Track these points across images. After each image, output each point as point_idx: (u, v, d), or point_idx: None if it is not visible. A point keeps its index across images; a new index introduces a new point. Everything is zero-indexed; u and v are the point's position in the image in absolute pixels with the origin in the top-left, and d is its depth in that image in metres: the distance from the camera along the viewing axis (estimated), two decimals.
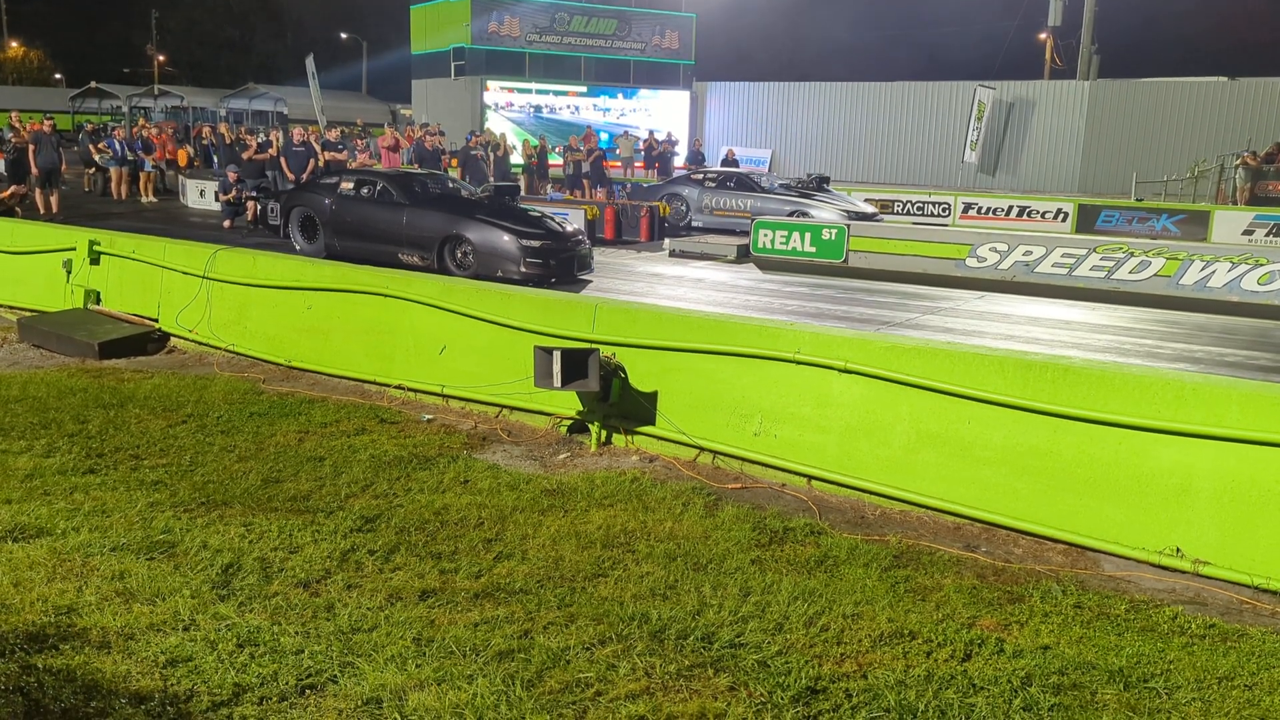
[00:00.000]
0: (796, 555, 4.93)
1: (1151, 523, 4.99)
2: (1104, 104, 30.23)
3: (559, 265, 12.58)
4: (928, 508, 5.64)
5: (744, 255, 16.27)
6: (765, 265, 15.70)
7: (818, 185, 20.37)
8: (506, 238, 12.39)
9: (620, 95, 35.11)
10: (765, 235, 16.10)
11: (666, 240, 17.71)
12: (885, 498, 5.78)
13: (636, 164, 29.55)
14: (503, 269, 12.27)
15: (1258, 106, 27.89)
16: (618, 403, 6.66)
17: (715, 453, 6.42)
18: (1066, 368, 5.41)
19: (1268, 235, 20.07)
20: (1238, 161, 25.13)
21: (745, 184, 20.39)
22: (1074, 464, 5.21)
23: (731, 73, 36.40)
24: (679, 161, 29.13)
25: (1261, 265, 12.79)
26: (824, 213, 18.40)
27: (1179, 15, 29.62)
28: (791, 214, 18.37)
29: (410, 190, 13.44)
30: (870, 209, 20.18)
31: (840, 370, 5.92)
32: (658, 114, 34.62)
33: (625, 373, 6.65)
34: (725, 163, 27.70)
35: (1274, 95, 28.00)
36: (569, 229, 13.32)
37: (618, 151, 29.92)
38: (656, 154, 28.45)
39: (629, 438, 6.73)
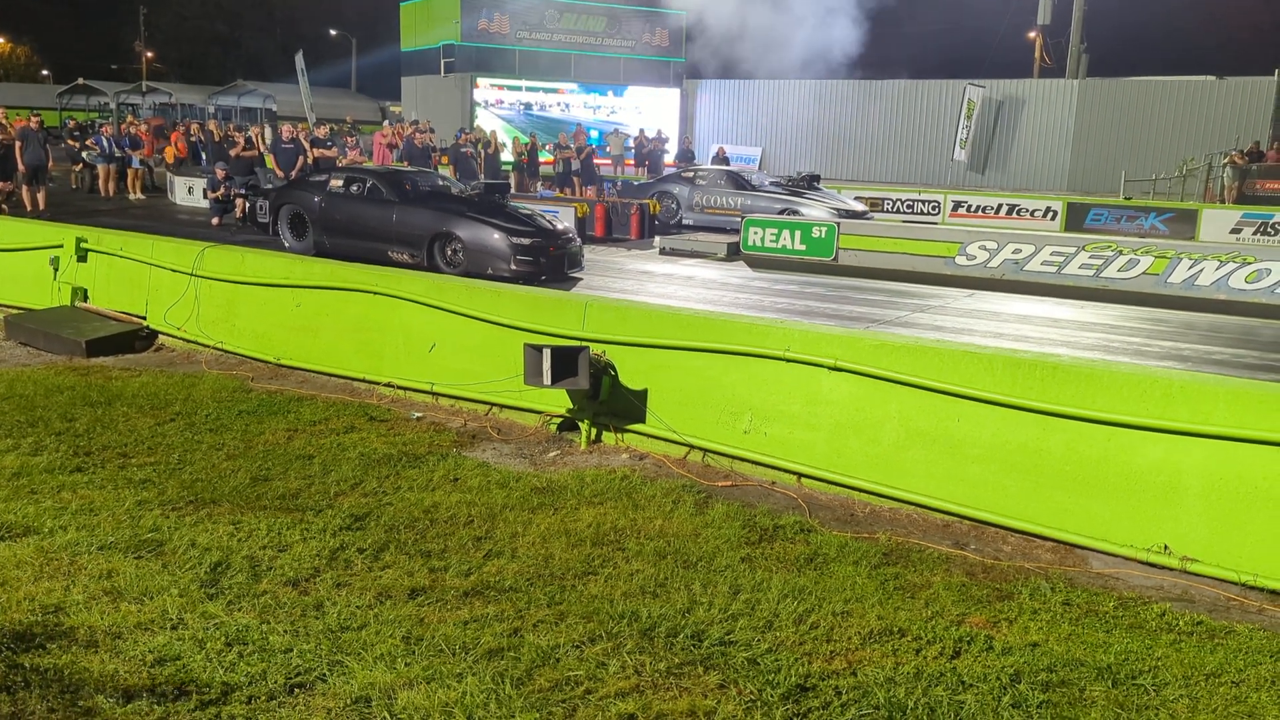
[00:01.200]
0: (786, 553, 4.93)
1: (1140, 520, 5.01)
2: (1093, 102, 30.33)
3: (549, 263, 12.56)
4: (917, 505, 5.65)
5: (734, 253, 16.28)
6: (755, 263, 15.71)
7: (808, 183, 20.36)
8: (496, 235, 12.37)
9: (610, 93, 35.09)
10: (755, 233, 16.10)
11: (657, 238, 17.71)
12: (875, 495, 5.79)
13: (627, 161, 29.53)
14: (493, 266, 12.25)
15: (1245, 105, 28.02)
16: (608, 400, 6.65)
17: (705, 450, 6.42)
18: (1055, 365, 5.43)
19: (1255, 234, 20.16)
20: (1225, 160, 25.25)
21: (736, 182, 20.38)
22: (1063, 461, 5.23)
23: (721, 70, 36.36)
24: (669, 159, 29.11)
25: (1249, 264, 12.86)
26: (815, 210, 18.43)
27: (1168, 14, 29.67)
28: (782, 212, 18.37)
29: (399, 188, 13.39)
30: (861, 207, 20.17)
31: (830, 368, 5.93)
32: (648, 112, 34.61)
33: (615, 370, 6.65)
34: (716, 160, 27.70)
35: (1261, 94, 28.13)
36: (559, 227, 13.28)
37: (608, 149, 29.91)
38: (646, 151, 28.43)
39: (619, 435, 6.72)
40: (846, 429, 5.92)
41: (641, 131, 30.36)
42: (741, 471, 6.24)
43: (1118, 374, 5.25)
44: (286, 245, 13.91)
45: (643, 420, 6.62)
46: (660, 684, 3.66)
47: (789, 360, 6.07)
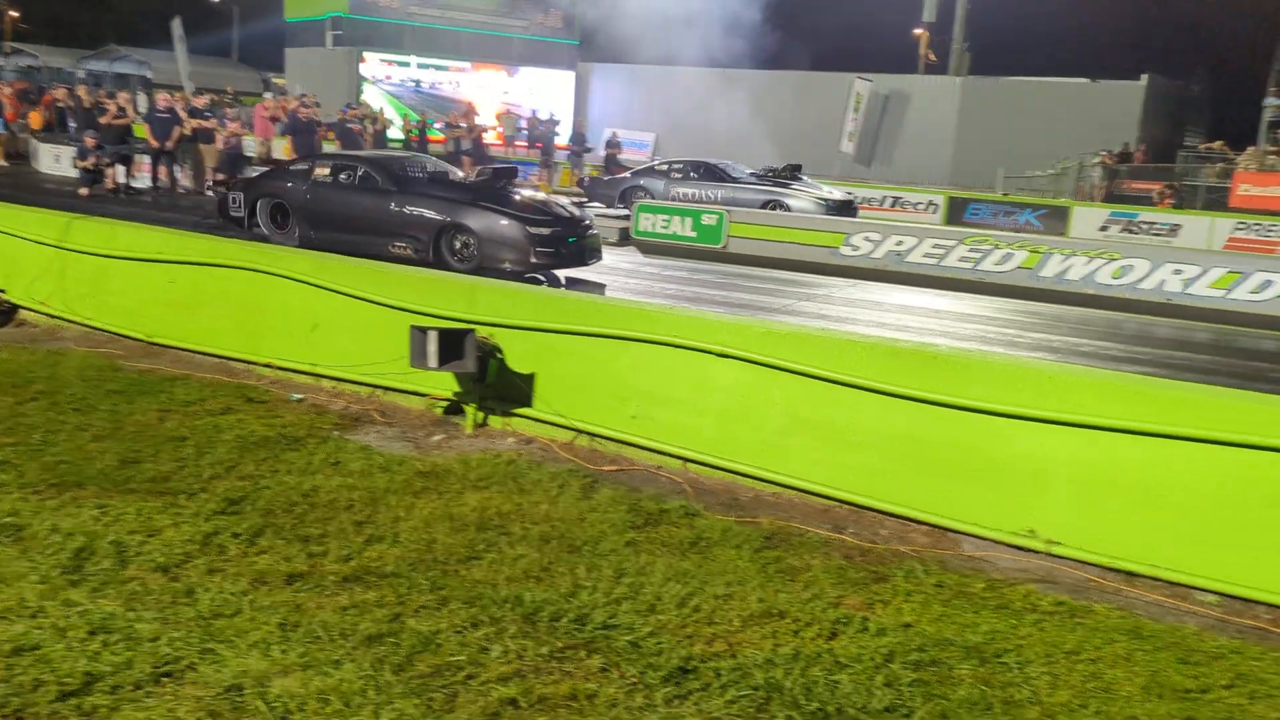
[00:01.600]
0: (671, 537, 4.97)
1: (1009, 505, 5.20)
2: (974, 100, 31.32)
3: (570, 253, 11.65)
4: (799, 490, 5.76)
5: (626, 238, 16.30)
6: (646, 249, 15.78)
7: (790, 174, 19.34)
8: (514, 225, 11.19)
9: (504, 72, 34.69)
10: (647, 219, 16.18)
11: None
12: (759, 480, 5.88)
13: (519, 143, 29.26)
14: (510, 260, 11.20)
15: (1115, 108, 29.29)
16: (495, 384, 6.59)
17: (593, 435, 6.42)
18: (933, 355, 5.60)
19: (1121, 231, 21.19)
20: (1096, 160, 26.41)
21: (714, 174, 19.36)
22: (939, 448, 5.39)
23: (616, 54, 36.26)
24: (560, 142, 28.95)
25: (1115, 260, 13.50)
26: (800, 202, 17.88)
27: (1049, 16, 30.89)
28: (766, 204, 17.75)
29: (397, 175, 12.15)
30: (846, 197, 19.31)
31: (717, 354, 5.98)
32: (541, 93, 34.34)
33: (503, 354, 6.59)
34: (610, 145, 27.64)
35: (1130, 98, 29.47)
36: (577, 214, 12.27)
37: (500, 129, 29.59)
38: (539, 133, 28.22)
39: (506, 419, 6.67)
40: (733, 415, 5.99)
41: (534, 113, 30.14)
42: (629, 456, 6.26)
43: (992, 364, 5.45)
44: (272, 241, 12.39)
45: (530, 404, 6.58)
46: (543, 668, 3.66)
47: (678, 346, 6.11)
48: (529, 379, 6.57)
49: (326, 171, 12.58)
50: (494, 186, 12.19)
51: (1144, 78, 29.52)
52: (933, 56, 37.46)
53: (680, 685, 3.61)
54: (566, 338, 6.50)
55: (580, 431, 6.45)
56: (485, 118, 30.06)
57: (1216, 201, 23.68)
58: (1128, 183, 25.61)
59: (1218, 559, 4.65)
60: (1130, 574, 4.84)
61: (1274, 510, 4.55)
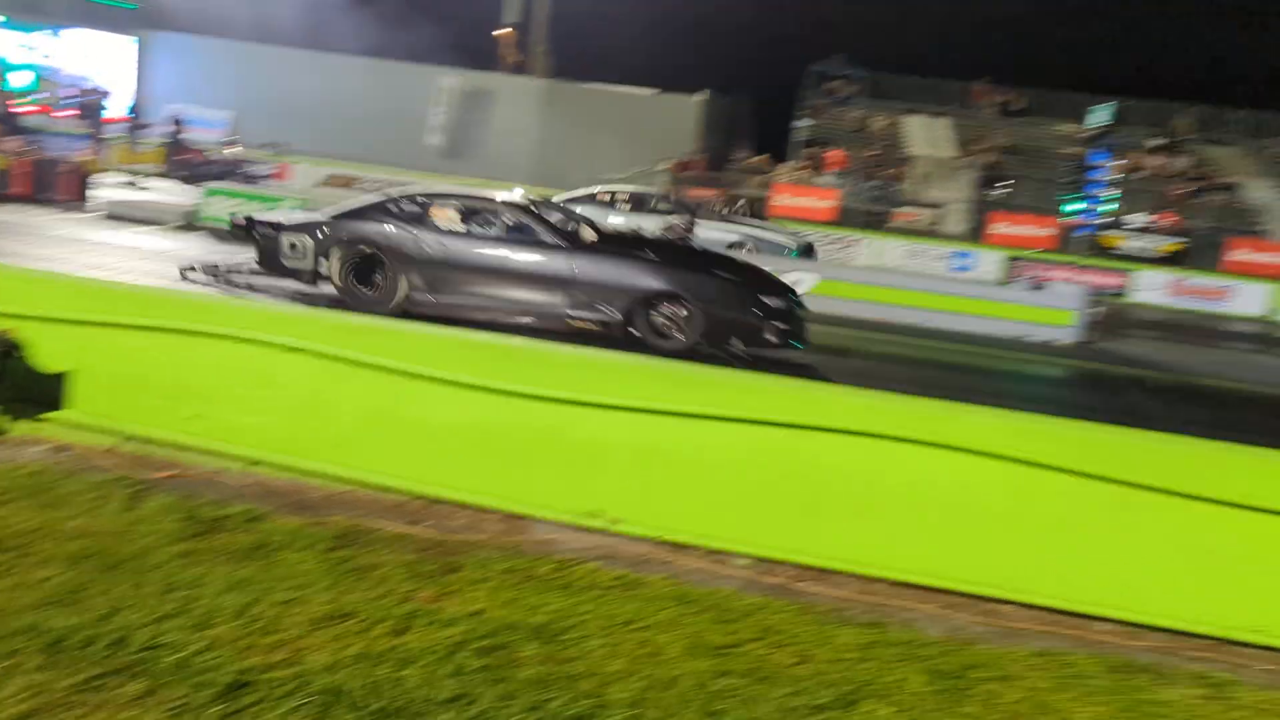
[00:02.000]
0: (231, 544, 4.65)
1: (577, 487, 5.44)
2: (555, 103, 32.58)
3: (798, 329, 9.61)
4: (374, 485, 5.63)
5: (195, 223, 15.13)
6: (221, 236, 14.72)
7: (748, 211, 17.91)
8: (745, 295, 9.25)
9: (47, 32, 30.66)
10: (218, 203, 15.19)
11: (100, 197, 15.85)
12: (331, 478, 5.67)
13: (60, 113, 26.02)
14: (740, 336, 9.22)
15: (678, 119, 31.86)
16: (20, 385, 5.78)
17: (143, 439, 5.84)
18: (507, 348, 5.76)
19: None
20: (662, 167, 28.65)
21: (672, 208, 17.25)
22: (512, 436, 5.52)
23: (193, 24, 33.29)
24: (107, 115, 26.05)
25: None
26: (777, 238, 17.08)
27: (628, 26, 33.10)
28: (736, 245, 16.00)
29: (561, 227, 9.75)
30: (808, 240, 18.60)
31: (286, 348, 5.70)
32: (93, 58, 30.79)
33: (29, 350, 5.80)
34: (174, 122, 25.32)
35: (690, 110, 32.22)
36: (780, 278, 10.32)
37: (41, 95, 26.19)
38: (85, 102, 25.26)
39: (35, 425, 5.87)
40: (303, 411, 5.74)
41: (79, 80, 26.98)
42: (186, 461, 5.77)
43: (560, 356, 5.70)
44: (356, 308, 9.13)
45: (66, 406, 5.86)
46: (69, 701, 3.26)
47: (241, 340, 5.74)
48: (64, 378, 5.84)
49: (454, 216, 9.78)
50: (699, 245, 10.20)
51: (700, 93, 32.38)
52: (518, 57, 38.34)
53: (235, 701, 3.38)
54: (111, 331, 5.88)
55: (128, 436, 5.84)
56: (18, 80, 26.45)
57: (760, 210, 26.53)
58: (689, 190, 27.98)
59: (749, 526, 5.20)
60: (680, 545, 5.26)
61: (791, 480, 5.17)
